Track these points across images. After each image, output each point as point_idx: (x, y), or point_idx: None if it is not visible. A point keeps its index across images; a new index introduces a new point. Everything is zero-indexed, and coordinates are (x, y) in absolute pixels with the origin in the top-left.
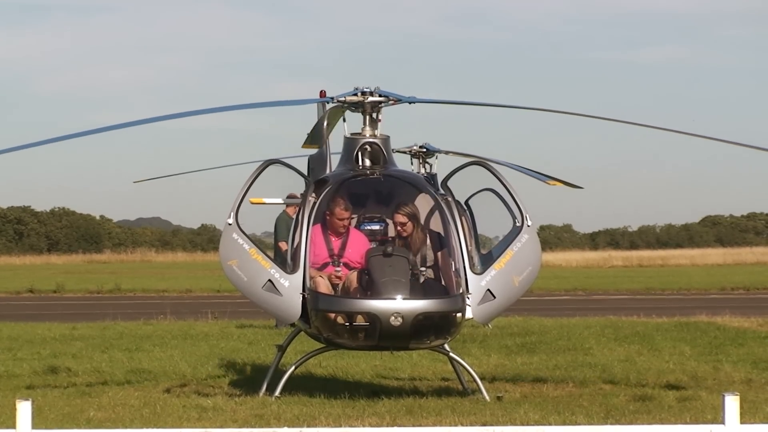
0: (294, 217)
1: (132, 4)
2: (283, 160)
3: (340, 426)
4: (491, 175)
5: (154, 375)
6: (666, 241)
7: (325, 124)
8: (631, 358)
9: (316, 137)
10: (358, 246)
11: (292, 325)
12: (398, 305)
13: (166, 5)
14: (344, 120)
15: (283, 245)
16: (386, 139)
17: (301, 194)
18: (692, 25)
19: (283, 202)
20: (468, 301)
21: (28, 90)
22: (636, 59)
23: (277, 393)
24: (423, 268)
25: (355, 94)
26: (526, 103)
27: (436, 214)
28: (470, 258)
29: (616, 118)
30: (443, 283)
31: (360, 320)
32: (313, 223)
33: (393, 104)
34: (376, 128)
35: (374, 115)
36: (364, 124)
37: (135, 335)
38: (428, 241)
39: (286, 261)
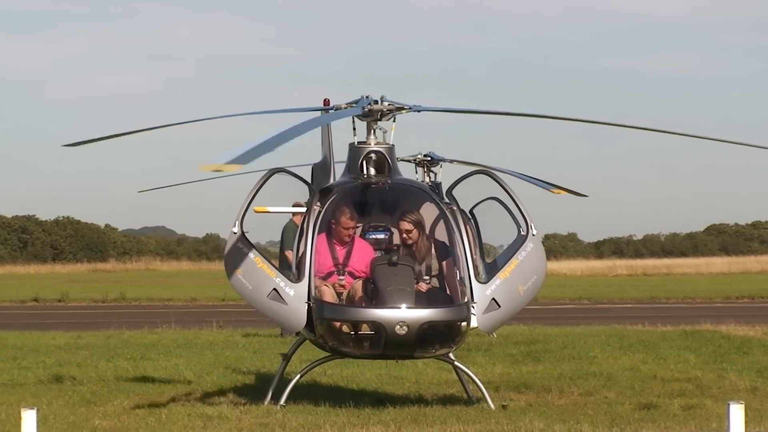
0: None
1: (136, 13)
2: (287, 168)
3: None
4: (496, 184)
5: (159, 384)
6: (671, 249)
7: (329, 132)
8: (636, 367)
9: None
10: (363, 255)
11: (297, 333)
12: (403, 314)
13: (171, 13)
14: (354, 129)
15: (289, 254)
16: (391, 148)
17: (306, 203)
18: (698, 33)
19: (287, 210)
20: (473, 310)
21: (32, 98)
22: (642, 67)
23: (282, 401)
24: (428, 277)
25: (369, 104)
26: (531, 112)
27: (441, 222)
28: (475, 267)
29: (616, 122)
30: (448, 292)
31: (365, 329)
32: (318, 232)
33: (398, 113)
34: (385, 137)
35: (379, 124)
36: (369, 132)
37: (140, 344)
38: (433, 249)
39: (291, 270)
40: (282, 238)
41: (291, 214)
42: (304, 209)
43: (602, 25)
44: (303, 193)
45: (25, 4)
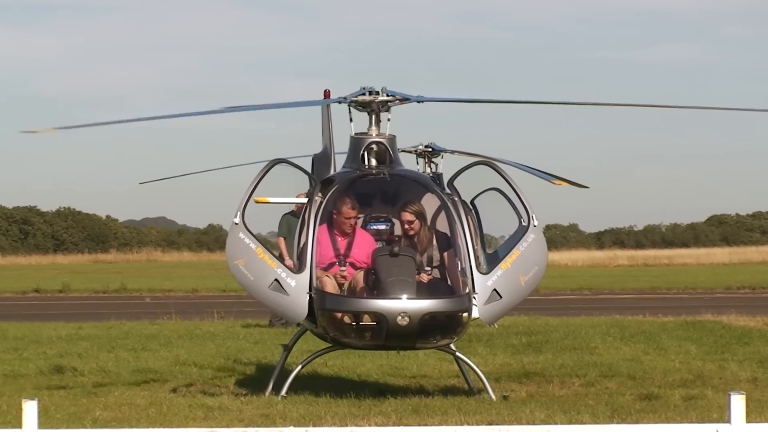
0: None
1: (137, 4)
2: (288, 159)
3: (346, 425)
4: (497, 175)
5: (160, 375)
6: (672, 240)
7: (330, 123)
8: (637, 358)
9: None
10: (364, 246)
11: (284, 324)
12: (405, 305)
13: (171, 5)
14: (351, 120)
15: (280, 241)
16: (392, 139)
17: (307, 193)
18: (699, 24)
19: (287, 201)
20: (474, 301)
21: (32, 90)
22: (643, 58)
23: (283, 392)
24: (429, 268)
25: (363, 94)
26: (530, 104)
27: (443, 213)
28: (476, 258)
29: (612, 102)
30: (449, 282)
31: (367, 320)
32: (320, 223)
33: (400, 104)
34: (382, 128)
35: (380, 115)
36: (371, 123)
37: (141, 335)
38: (435, 240)
39: (283, 258)
40: (278, 225)
41: (293, 206)
42: (304, 200)
43: (602, 15)
44: (304, 184)
45: None
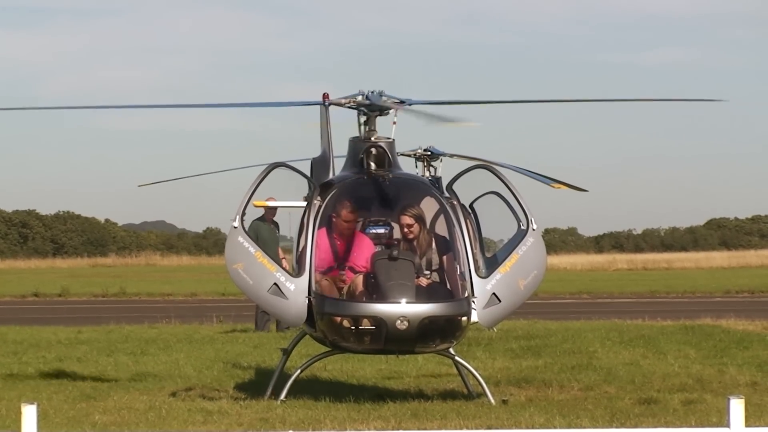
0: (271, 223)
1: (136, 7)
2: (287, 163)
3: (345, 429)
4: (496, 179)
5: (159, 378)
6: (671, 244)
7: (329, 126)
8: (636, 362)
9: None
10: (363, 249)
11: (264, 329)
12: (404, 309)
13: (170, 7)
14: (359, 124)
15: None
16: (391, 143)
17: (306, 197)
18: (699, 27)
19: (286, 205)
20: (473, 305)
21: (33, 92)
22: (642, 62)
23: (282, 396)
24: (428, 272)
25: (360, 97)
26: (530, 107)
27: (442, 217)
28: (475, 261)
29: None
30: (449, 286)
31: (366, 324)
32: (319, 227)
33: (399, 107)
34: (386, 131)
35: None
36: (369, 127)
37: (140, 339)
38: (434, 244)
39: None
40: None
41: (264, 209)
42: (279, 203)
43: (602, 18)
44: (303, 188)
45: None
